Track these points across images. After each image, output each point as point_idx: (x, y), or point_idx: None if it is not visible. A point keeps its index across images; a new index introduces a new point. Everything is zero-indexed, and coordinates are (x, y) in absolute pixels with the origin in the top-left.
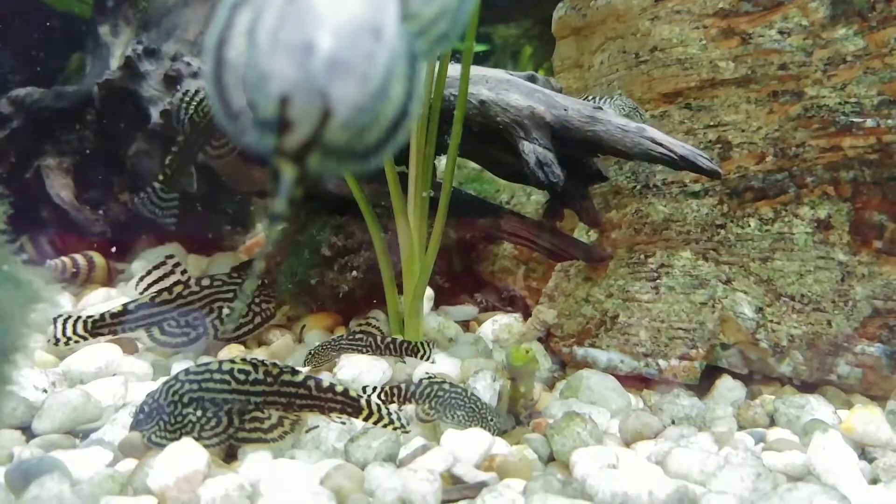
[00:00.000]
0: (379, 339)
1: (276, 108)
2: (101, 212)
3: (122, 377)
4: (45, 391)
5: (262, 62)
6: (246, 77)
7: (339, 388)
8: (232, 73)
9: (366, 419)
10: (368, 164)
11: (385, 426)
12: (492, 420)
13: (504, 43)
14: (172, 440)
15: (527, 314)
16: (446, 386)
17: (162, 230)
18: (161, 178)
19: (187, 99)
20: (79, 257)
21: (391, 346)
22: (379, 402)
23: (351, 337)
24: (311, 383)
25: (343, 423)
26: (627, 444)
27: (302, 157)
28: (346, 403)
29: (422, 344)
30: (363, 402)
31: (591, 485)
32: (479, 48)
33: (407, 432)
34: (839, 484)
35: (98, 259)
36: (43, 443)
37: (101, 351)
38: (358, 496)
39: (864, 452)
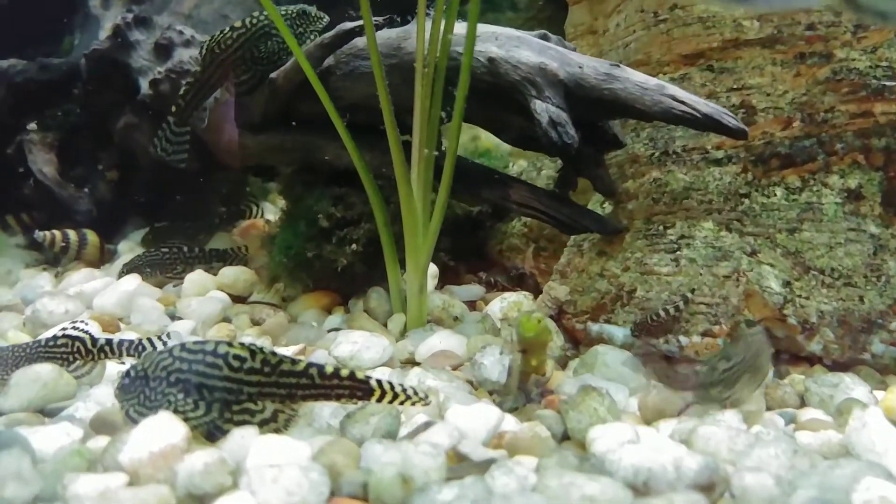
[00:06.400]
0: (89, 342)
1: None
2: (86, 189)
3: None
4: None
5: None
6: None
7: (344, 373)
8: None
9: (379, 400)
10: None
11: (403, 403)
12: None
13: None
14: None
15: (537, 293)
16: None
17: (150, 210)
18: (174, 109)
19: (214, 35)
20: (71, 232)
21: (105, 348)
22: (390, 380)
23: (53, 343)
24: (314, 371)
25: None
26: (648, 422)
27: None
28: (355, 387)
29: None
30: (373, 382)
31: (612, 460)
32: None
33: (428, 404)
34: (883, 462)
35: (91, 237)
36: (8, 421)
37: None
38: (353, 472)
39: None
